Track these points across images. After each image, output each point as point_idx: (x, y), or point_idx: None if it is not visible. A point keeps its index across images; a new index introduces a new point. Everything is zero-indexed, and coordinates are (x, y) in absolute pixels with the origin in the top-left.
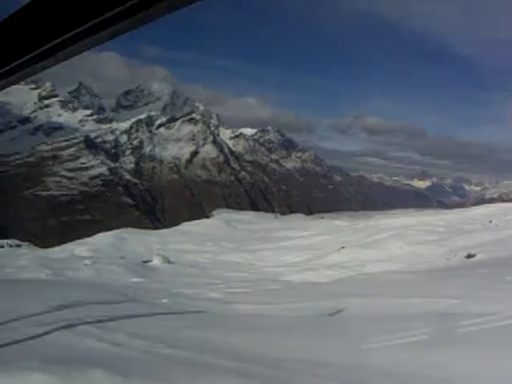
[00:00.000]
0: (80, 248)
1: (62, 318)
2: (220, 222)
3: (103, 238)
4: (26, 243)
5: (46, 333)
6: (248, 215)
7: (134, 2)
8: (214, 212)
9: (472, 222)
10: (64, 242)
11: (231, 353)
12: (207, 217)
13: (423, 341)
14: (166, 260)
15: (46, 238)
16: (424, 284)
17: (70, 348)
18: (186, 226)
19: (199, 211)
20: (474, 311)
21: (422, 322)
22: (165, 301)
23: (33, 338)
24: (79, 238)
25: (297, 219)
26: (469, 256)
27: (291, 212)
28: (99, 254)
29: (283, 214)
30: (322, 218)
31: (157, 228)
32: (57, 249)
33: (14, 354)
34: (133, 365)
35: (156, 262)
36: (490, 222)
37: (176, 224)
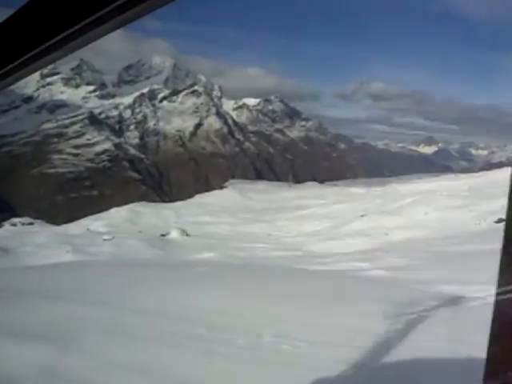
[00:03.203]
0: (95, 223)
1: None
2: (234, 192)
3: (117, 213)
4: (39, 221)
5: None
6: (261, 185)
7: None
8: (227, 183)
9: (496, 186)
10: (73, 218)
11: None
12: (214, 188)
13: None
14: (184, 233)
15: (55, 215)
16: None
17: None
18: (199, 198)
19: (205, 183)
20: None
21: None
22: None
23: None
24: (88, 214)
25: (311, 187)
26: (500, 220)
27: (297, 181)
28: (116, 229)
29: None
30: (336, 185)
31: (164, 201)
32: (71, 225)
33: None
34: None
35: (174, 235)
36: None
37: (183, 197)
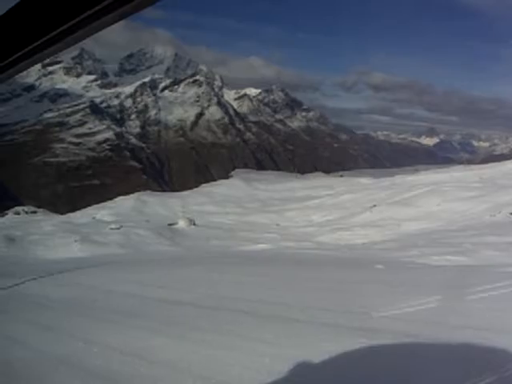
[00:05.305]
0: (101, 212)
1: None
2: (240, 182)
3: (123, 202)
4: (42, 209)
5: None
6: (267, 175)
7: None
8: (233, 172)
9: (508, 178)
10: (75, 207)
11: None
12: (214, 178)
13: None
14: (192, 222)
15: (56, 204)
16: None
17: None
18: (205, 188)
19: (206, 173)
20: None
21: None
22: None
23: None
24: (90, 203)
25: (317, 178)
26: None
27: (298, 172)
28: (122, 218)
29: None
30: (341, 176)
31: (164, 191)
32: (77, 214)
33: None
34: None
35: (181, 224)
36: None
37: (183, 186)
